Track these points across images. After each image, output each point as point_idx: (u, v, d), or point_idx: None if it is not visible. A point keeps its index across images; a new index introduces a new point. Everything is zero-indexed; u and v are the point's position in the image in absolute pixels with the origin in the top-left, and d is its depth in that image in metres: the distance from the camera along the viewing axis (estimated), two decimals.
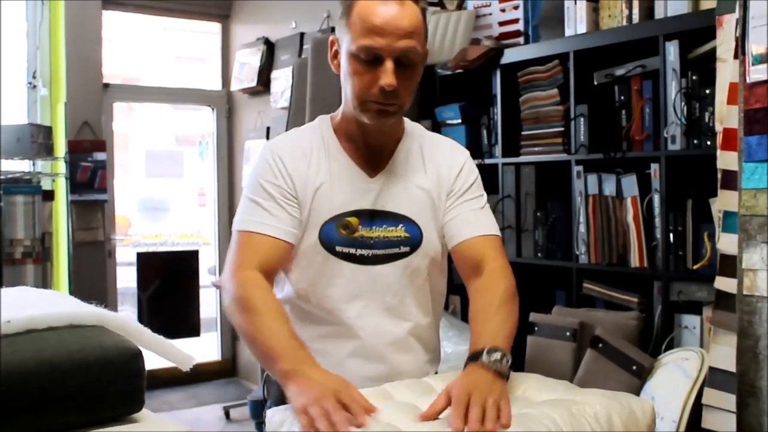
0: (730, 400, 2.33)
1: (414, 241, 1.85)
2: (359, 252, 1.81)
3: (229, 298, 1.72)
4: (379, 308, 1.83)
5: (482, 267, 1.84)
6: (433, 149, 1.96)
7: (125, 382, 1.20)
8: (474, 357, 1.58)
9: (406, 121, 1.96)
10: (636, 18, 3.08)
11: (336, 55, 1.83)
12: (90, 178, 5.26)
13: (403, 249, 1.84)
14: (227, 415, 5.43)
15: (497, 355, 1.57)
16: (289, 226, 1.78)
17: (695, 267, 2.80)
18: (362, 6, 1.73)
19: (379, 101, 1.74)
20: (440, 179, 1.92)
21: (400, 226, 1.84)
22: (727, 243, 2.38)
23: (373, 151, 1.88)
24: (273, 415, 1.47)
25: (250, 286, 1.70)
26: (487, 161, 3.64)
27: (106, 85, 5.73)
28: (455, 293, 3.84)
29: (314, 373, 1.51)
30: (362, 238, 1.81)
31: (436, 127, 3.88)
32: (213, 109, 6.47)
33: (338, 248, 1.80)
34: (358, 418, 1.37)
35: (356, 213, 1.82)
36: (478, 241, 1.87)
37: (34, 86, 5.56)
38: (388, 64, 1.70)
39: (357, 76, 1.75)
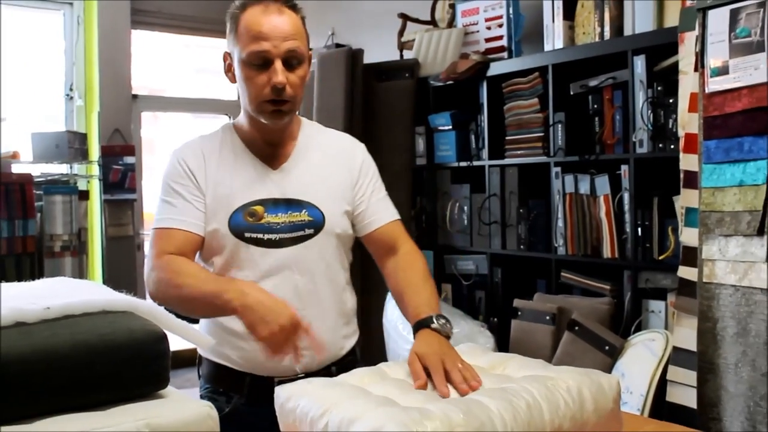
0: (691, 376, 2.34)
1: (317, 224, 1.85)
2: (266, 236, 1.81)
3: (153, 284, 1.74)
4: (289, 286, 1.81)
5: (397, 248, 1.92)
6: (334, 142, 2.00)
7: (152, 363, 1.20)
8: (424, 324, 1.64)
9: (303, 119, 1.98)
10: (607, 35, 3.09)
11: (230, 68, 1.86)
12: (121, 179, 5.26)
13: (308, 231, 1.84)
14: None
15: (443, 320, 1.64)
16: (197, 219, 1.80)
17: (661, 258, 2.81)
18: (247, 18, 1.78)
19: (272, 100, 1.76)
20: (345, 169, 1.94)
21: (303, 210, 1.84)
22: (688, 236, 2.39)
23: (273, 147, 1.89)
24: (281, 390, 1.47)
25: (168, 263, 1.73)
26: (476, 163, 3.64)
27: (135, 96, 5.73)
28: (447, 281, 3.85)
29: (258, 297, 1.59)
30: (269, 224, 1.81)
31: (430, 132, 3.88)
32: (230, 117, 6.46)
33: (246, 234, 1.80)
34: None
35: (261, 202, 1.82)
36: (390, 227, 1.95)
37: (71, 97, 5.56)
38: (277, 65, 1.74)
39: (250, 81, 1.77)
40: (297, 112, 1.91)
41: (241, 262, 1.81)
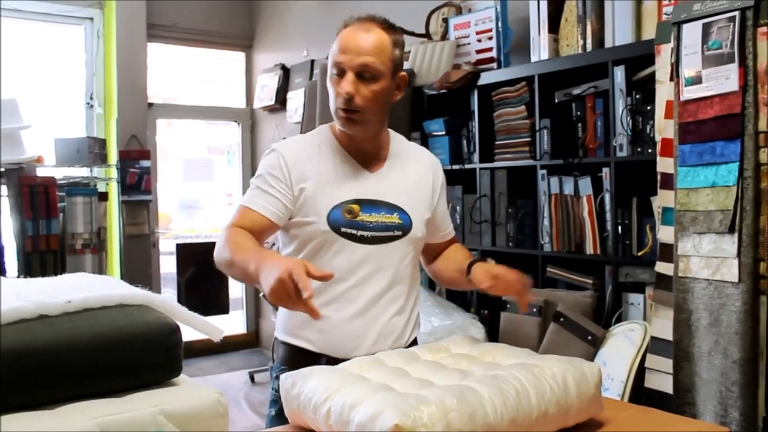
0: (668, 364, 2.34)
1: (405, 227, 1.89)
2: (360, 233, 1.83)
3: (216, 249, 1.77)
4: (375, 279, 1.85)
5: (446, 249, 2.10)
6: (421, 155, 2.05)
7: (165, 352, 1.20)
8: (481, 260, 1.90)
9: (392, 132, 2.00)
10: (589, 47, 3.09)
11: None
12: (137, 181, 5.27)
13: (397, 233, 1.87)
14: (252, 378, 5.44)
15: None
16: (278, 209, 1.81)
17: (639, 254, 2.80)
18: (340, 34, 1.82)
19: (342, 108, 1.79)
20: (431, 183, 2.00)
21: (395, 213, 1.87)
22: (665, 234, 2.39)
23: (367, 153, 1.91)
24: (285, 378, 1.47)
25: (231, 233, 1.74)
26: (467, 166, 3.64)
27: (151, 105, 5.73)
28: None
29: (272, 260, 1.54)
30: (363, 222, 1.83)
31: (425, 137, 3.88)
32: (238, 124, 6.46)
33: (343, 229, 1.82)
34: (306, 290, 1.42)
35: (358, 201, 1.84)
36: (452, 237, 2.13)
37: (91, 106, 5.57)
38: (349, 76, 1.77)
39: (330, 88, 1.83)
40: (385, 126, 1.94)
41: (333, 253, 1.83)
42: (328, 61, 1.83)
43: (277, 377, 1.92)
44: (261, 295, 2.03)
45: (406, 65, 3.98)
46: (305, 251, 1.85)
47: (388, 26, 1.85)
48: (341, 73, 1.78)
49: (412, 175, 1.96)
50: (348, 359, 1.63)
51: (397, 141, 2.00)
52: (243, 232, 1.76)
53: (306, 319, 1.82)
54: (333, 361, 1.77)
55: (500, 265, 1.85)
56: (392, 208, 1.88)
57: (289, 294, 1.43)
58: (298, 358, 1.84)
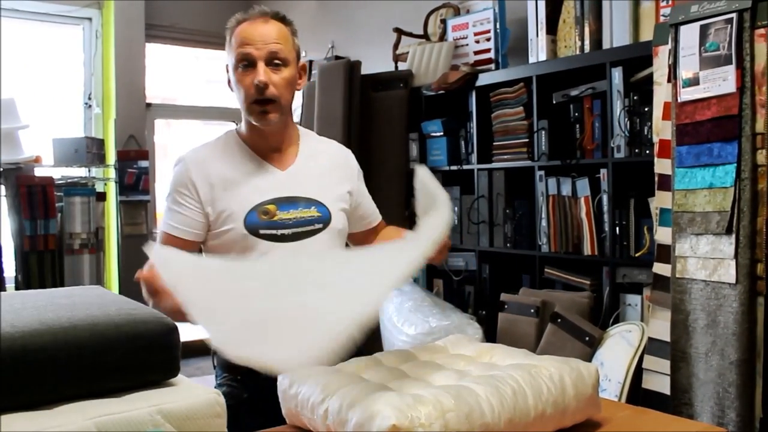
0: (665, 365, 2.35)
1: (325, 219, 1.88)
2: (280, 232, 1.82)
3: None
4: None
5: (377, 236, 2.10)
6: (331, 149, 2.05)
7: (164, 352, 1.20)
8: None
9: (300, 128, 2.00)
10: (587, 48, 3.09)
11: (229, 80, 1.88)
12: (135, 182, 5.26)
13: (317, 226, 1.87)
14: None
15: None
16: (191, 228, 1.82)
17: (637, 255, 2.81)
18: (237, 30, 1.81)
19: (258, 101, 1.80)
20: (344, 174, 2.00)
21: (313, 207, 1.87)
22: (662, 235, 2.39)
23: (277, 152, 1.91)
24: (283, 378, 1.47)
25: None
26: (465, 167, 3.64)
27: (149, 105, 5.72)
28: (438, 277, 3.86)
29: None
30: (281, 221, 1.82)
31: (422, 138, 3.88)
32: (237, 124, 6.44)
33: (261, 231, 1.81)
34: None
35: (274, 201, 1.83)
36: (381, 223, 2.13)
37: (89, 106, 5.56)
38: (260, 66, 1.77)
39: (239, 83, 1.81)
40: (293, 118, 1.94)
41: (256, 257, 1.81)
42: (231, 60, 1.83)
43: (220, 385, 1.91)
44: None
45: (405, 66, 3.99)
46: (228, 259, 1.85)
47: (282, 18, 1.86)
48: (250, 64, 1.78)
49: (325, 167, 1.96)
50: None
51: (306, 136, 2.01)
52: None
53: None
54: None
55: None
56: (309, 202, 1.87)
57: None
58: (239, 365, 1.82)
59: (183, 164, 1.87)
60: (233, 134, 1.95)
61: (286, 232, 1.83)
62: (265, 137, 1.88)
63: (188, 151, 1.92)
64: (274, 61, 1.79)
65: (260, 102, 1.80)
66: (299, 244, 1.83)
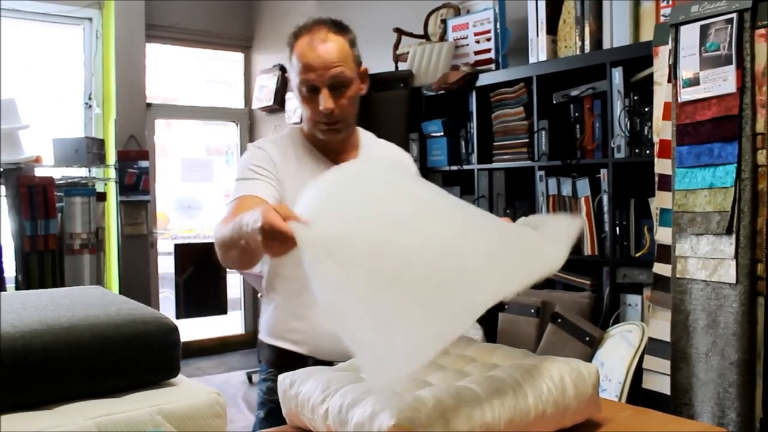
0: (665, 365, 2.35)
1: None
2: None
3: (216, 244, 1.65)
4: None
5: None
6: (391, 152, 2.05)
7: (164, 352, 1.20)
8: None
9: (360, 129, 2.00)
10: (587, 48, 3.10)
11: (291, 88, 1.90)
12: (135, 182, 5.26)
13: None
14: (250, 379, 5.43)
15: None
16: (272, 193, 1.77)
17: (637, 255, 2.81)
18: (298, 49, 1.80)
19: (324, 122, 1.81)
20: (401, 173, 1.97)
21: None
22: (663, 235, 2.39)
23: (340, 152, 1.91)
24: (283, 378, 1.47)
25: (224, 222, 1.64)
26: (465, 167, 3.65)
27: (149, 105, 5.72)
28: None
29: (247, 220, 1.40)
30: None
31: (423, 138, 3.88)
32: (237, 124, 6.46)
33: None
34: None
35: None
36: None
37: (90, 106, 5.56)
38: (324, 92, 1.77)
39: (304, 105, 1.82)
40: (354, 124, 1.93)
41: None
42: (294, 79, 1.83)
43: (265, 380, 1.92)
44: (259, 295, 1.99)
45: (405, 66, 3.98)
46: (288, 258, 1.82)
47: (340, 28, 1.85)
48: (314, 90, 1.79)
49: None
50: (335, 361, 1.61)
51: (367, 138, 2.01)
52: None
53: (291, 320, 1.82)
54: (320, 363, 1.73)
55: None
56: None
57: (276, 240, 1.28)
58: (285, 359, 1.82)
59: (259, 145, 1.88)
60: (298, 132, 1.95)
61: None
62: (326, 143, 1.89)
63: (262, 140, 1.94)
64: (337, 85, 1.79)
65: (327, 123, 1.81)
66: None
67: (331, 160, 1.89)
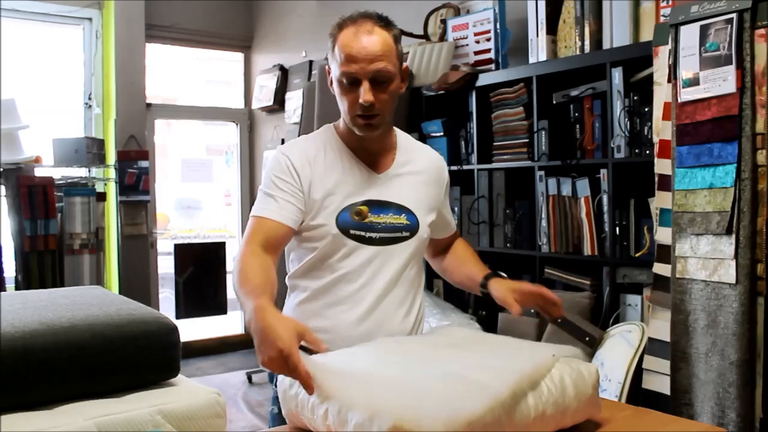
0: (665, 365, 2.34)
1: (413, 228, 1.89)
2: (368, 234, 1.82)
3: (234, 269, 1.70)
4: (382, 280, 1.85)
5: (451, 244, 2.15)
6: (427, 156, 2.04)
7: (164, 352, 1.20)
8: (495, 275, 1.95)
9: (398, 131, 1.99)
10: (587, 48, 3.09)
11: (332, 82, 1.86)
12: (135, 182, 5.26)
13: (405, 234, 1.88)
14: (249, 379, 5.44)
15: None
16: (291, 213, 1.79)
17: (637, 255, 2.81)
18: (341, 39, 1.78)
19: (362, 115, 1.78)
20: (437, 185, 2.01)
21: (403, 215, 1.88)
22: (663, 235, 2.39)
23: (375, 153, 1.90)
24: (283, 378, 1.47)
25: (246, 258, 1.68)
26: (465, 167, 3.64)
27: (149, 105, 5.72)
28: (438, 277, 3.84)
29: (266, 328, 1.37)
30: (371, 223, 1.83)
31: (423, 138, 3.87)
32: (237, 125, 6.46)
33: (352, 231, 1.81)
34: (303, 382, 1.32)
35: (367, 203, 1.84)
36: (456, 232, 2.16)
37: (90, 106, 5.56)
38: (365, 85, 1.75)
39: (344, 97, 1.80)
40: (391, 123, 1.92)
41: (341, 255, 1.83)
42: (335, 71, 1.81)
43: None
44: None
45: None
46: (314, 254, 1.84)
47: (386, 23, 1.82)
48: (354, 82, 1.77)
49: (420, 175, 1.96)
50: None
51: (404, 140, 2.00)
52: (254, 256, 1.69)
53: (312, 318, 1.83)
54: None
55: (515, 280, 1.91)
56: (400, 209, 1.88)
57: (284, 371, 1.34)
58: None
59: (283, 155, 1.86)
60: (331, 131, 1.94)
61: (374, 235, 1.84)
62: (362, 140, 1.87)
63: (289, 143, 1.93)
64: (379, 79, 1.77)
65: (364, 116, 1.79)
66: (385, 249, 1.85)
67: (364, 161, 1.89)
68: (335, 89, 1.84)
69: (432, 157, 2.05)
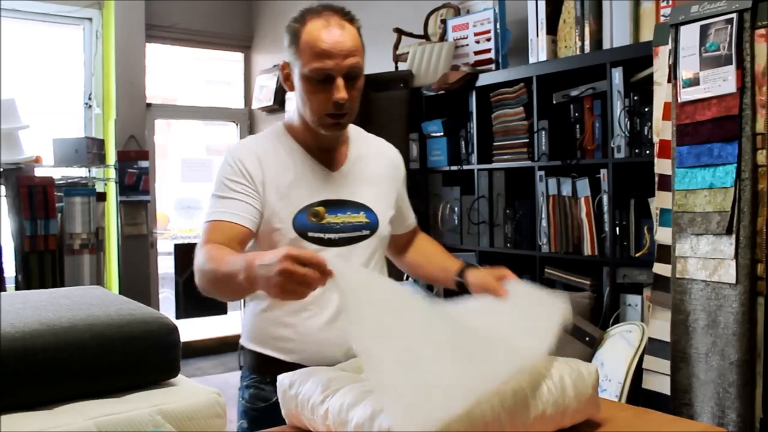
0: (665, 365, 2.34)
1: (372, 226, 1.83)
2: (327, 236, 1.75)
3: (195, 272, 1.63)
4: None
5: (413, 238, 2.10)
6: (381, 149, 1.98)
7: (164, 352, 1.20)
8: (470, 266, 1.90)
9: (351, 125, 1.89)
10: (587, 48, 3.09)
11: (288, 77, 1.77)
12: (135, 182, 5.26)
13: (365, 232, 1.81)
14: None
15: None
16: (249, 214, 1.70)
17: (637, 255, 2.81)
18: (308, 33, 1.68)
19: (332, 114, 1.71)
20: (393, 178, 1.95)
21: (361, 212, 1.81)
22: (663, 235, 2.39)
23: (329, 151, 1.83)
24: (283, 378, 1.47)
25: (206, 251, 1.61)
26: (465, 167, 3.64)
27: (149, 105, 5.72)
28: None
29: (264, 257, 1.34)
30: (329, 224, 1.76)
31: (423, 138, 3.88)
32: (237, 125, 6.46)
33: (310, 234, 1.74)
34: (320, 269, 1.27)
35: (323, 203, 1.76)
36: (415, 226, 2.11)
37: (90, 106, 5.56)
38: (339, 81, 1.67)
39: (312, 95, 1.71)
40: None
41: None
42: (299, 67, 1.71)
43: (248, 386, 1.87)
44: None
45: (405, 66, 3.99)
46: None
47: (350, 17, 1.74)
48: (326, 79, 1.68)
49: (376, 171, 1.89)
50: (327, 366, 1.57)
51: (355, 132, 1.92)
52: (218, 246, 1.62)
53: (278, 327, 1.76)
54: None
55: (490, 267, 1.85)
56: (358, 207, 1.81)
57: (298, 280, 1.27)
58: (271, 367, 1.76)
59: (233, 154, 1.77)
60: (282, 130, 1.85)
61: (333, 236, 1.76)
62: (320, 137, 1.79)
63: (237, 144, 1.84)
64: (351, 75, 1.70)
65: (334, 115, 1.72)
66: (346, 249, 1.77)
67: (318, 159, 1.81)
68: (299, 87, 1.74)
69: (386, 150, 1.99)
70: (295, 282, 1.27)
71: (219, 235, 1.66)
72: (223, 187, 1.73)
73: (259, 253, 1.41)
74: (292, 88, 1.77)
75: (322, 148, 1.82)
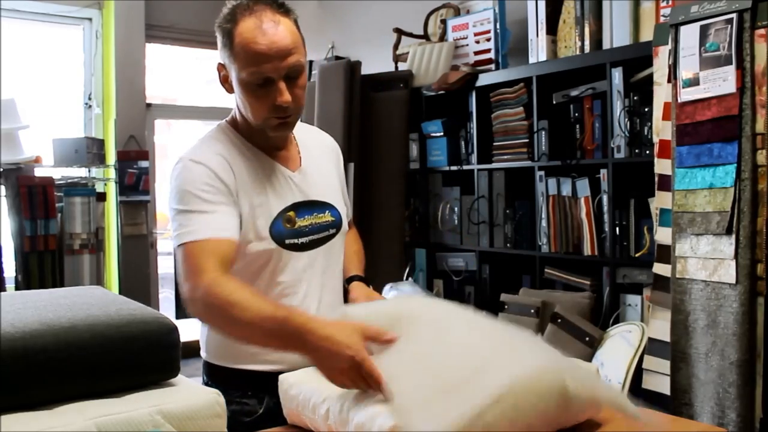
0: (665, 365, 2.35)
1: (338, 224, 1.78)
2: (300, 241, 1.69)
3: (203, 310, 1.49)
4: (318, 286, 1.73)
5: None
6: (320, 139, 1.91)
7: (164, 352, 1.20)
8: (361, 279, 1.84)
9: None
10: (587, 48, 3.09)
11: (226, 79, 1.66)
12: (135, 182, 5.26)
13: (331, 231, 1.76)
14: None
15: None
16: (234, 228, 1.58)
17: (637, 255, 2.81)
18: (241, 36, 1.56)
19: (277, 116, 1.61)
20: (338, 169, 1.90)
21: (327, 211, 1.75)
22: (663, 235, 2.39)
23: (281, 148, 1.74)
24: (285, 378, 1.47)
25: (216, 289, 1.46)
26: (465, 167, 3.64)
27: (149, 105, 5.72)
28: (438, 277, 3.85)
29: (323, 339, 1.30)
30: (299, 228, 1.69)
31: (423, 138, 3.88)
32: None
33: (287, 241, 1.66)
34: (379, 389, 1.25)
35: (293, 207, 1.69)
36: (349, 222, 1.95)
37: (90, 106, 5.56)
38: (281, 85, 1.57)
39: (253, 99, 1.61)
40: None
41: (276, 268, 1.67)
42: (236, 71, 1.59)
43: (228, 403, 1.80)
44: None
45: (405, 66, 3.98)
46: (246, 272, 1.64)
47: (284, 8, 1.62)
48: (266, 82, 1.57)
49: (326, 165, 1.83)
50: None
51: (298, 127, 1.80)
52: (226, 283, 1.47)
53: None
54: None
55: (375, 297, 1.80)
56: (323, 206, 1.75)
57: (359, 383, 1.26)
58: (253, 380, 1.69)
59: (200, 161, 1.62)
60: (232, 131, 1.73)
61: (304, 240, 1.70)
62: (269, 137, 1.70)
63: (194, 149, 1.68)
64: (292, 74, 1.59)
65: (280, 116, 1.62)
66: (315, 252, 1.72)
67: (270, 155, 1.72)
68: (238, 90, 1.63)
69: (326, 141, 1.92)
70: (352, 384, 1.29)
71: (210, 259, 1.50)
72: (195, 199, 1.57)
73: (314, 320, 1.36)
74: (231, 91, 1.67)
75: (275, 147, 1.73)
